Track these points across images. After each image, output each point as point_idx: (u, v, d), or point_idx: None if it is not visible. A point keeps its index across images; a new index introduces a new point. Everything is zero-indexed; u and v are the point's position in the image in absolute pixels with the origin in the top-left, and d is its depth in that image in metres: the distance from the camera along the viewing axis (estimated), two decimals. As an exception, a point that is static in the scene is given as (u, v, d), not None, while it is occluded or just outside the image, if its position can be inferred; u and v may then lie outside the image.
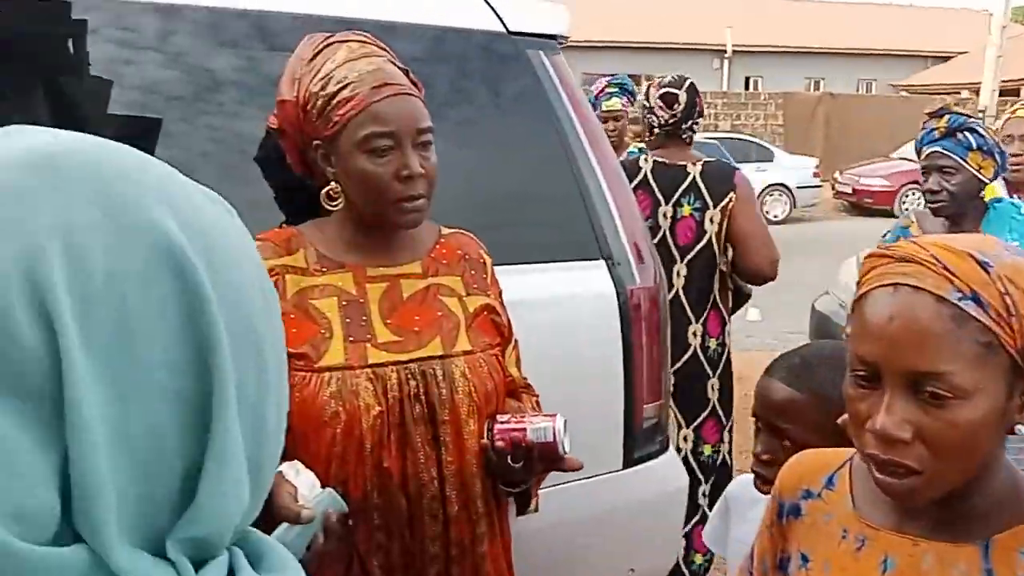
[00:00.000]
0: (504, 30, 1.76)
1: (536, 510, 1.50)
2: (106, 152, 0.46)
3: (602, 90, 3.89)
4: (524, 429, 1.29)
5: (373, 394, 1.26)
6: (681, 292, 2.68)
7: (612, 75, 4.13)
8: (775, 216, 13.77)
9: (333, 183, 1.33)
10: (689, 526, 2.65)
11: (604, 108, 3.80)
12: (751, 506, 1.40)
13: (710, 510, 2.47)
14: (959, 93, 21.11)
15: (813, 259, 7.08)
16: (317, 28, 1.40)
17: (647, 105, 2.79)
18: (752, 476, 1.38)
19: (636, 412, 1.90)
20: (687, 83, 2.78)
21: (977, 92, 19.78)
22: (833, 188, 15.44)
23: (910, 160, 13.06)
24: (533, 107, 1.78)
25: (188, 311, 0.44)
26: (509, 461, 1.29)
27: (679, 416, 2.71)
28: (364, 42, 1.35)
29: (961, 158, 2.34)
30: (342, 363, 1.27)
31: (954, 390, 0.80)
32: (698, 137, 5.05)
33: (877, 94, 23.18)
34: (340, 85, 1.28)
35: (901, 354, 0.82)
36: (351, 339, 1.29)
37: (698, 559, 2.80)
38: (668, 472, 2.01)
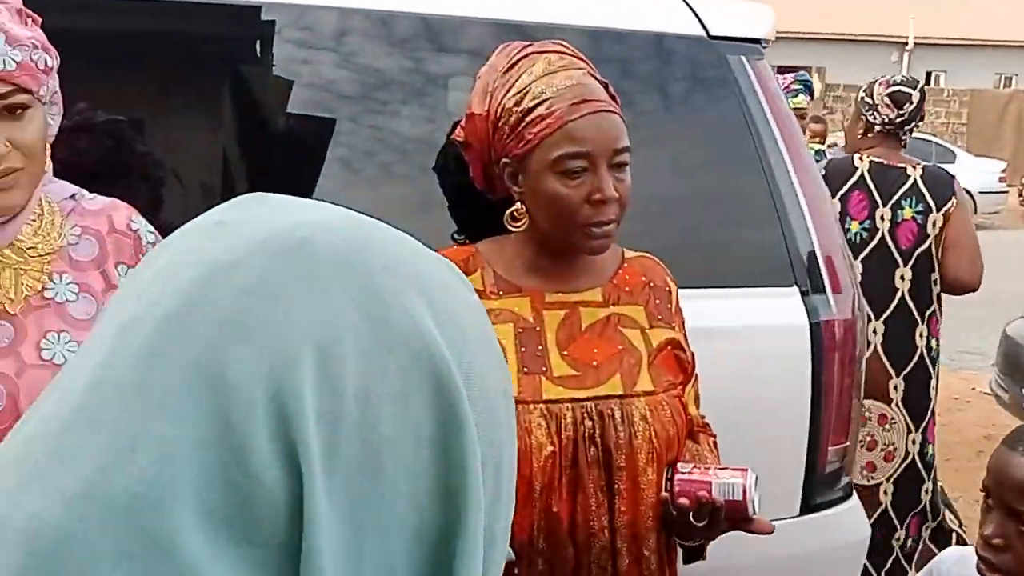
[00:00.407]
0: (705, 34, 1.62)
1: (704, 559, 1.39)
2: (359, 231, 0.40)
3: (787, 86, 3.73)
4: (709, 484, 1.17)
5: (546, 432, 1.18)
6: (907, 295, 2.64)
7: (794, 70, 3.95)
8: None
9: (518, 203, 1.25)
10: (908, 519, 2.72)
11: (791, 105, 3.65)
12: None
13: (931, 507, 2.70)
14: None
15: (996, 272, 6.48)
16: (511, 35, 1.33)
17: (869, 102, 2.73)
18: (966, 551, 1.21)
19: (820, 454, 1.74)
20: (919, 84, 2.77)
21: None
22: (1020, 195, 14.19)
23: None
24: (732, 117, 1.63)
25: (443, 436, 0.37)
26: (691, 519, 1.18)
27: (909, 420, 2.69)
28: (563, 53, 1.26)
29: None
30: (515, 396, 1.19)
31: None
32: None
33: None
34: (536, 101, 1.20)
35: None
36: (525, 370, 1.22)
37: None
38: (850, 521, 1.84)
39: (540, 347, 1.24)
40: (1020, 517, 1.09)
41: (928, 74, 23.33)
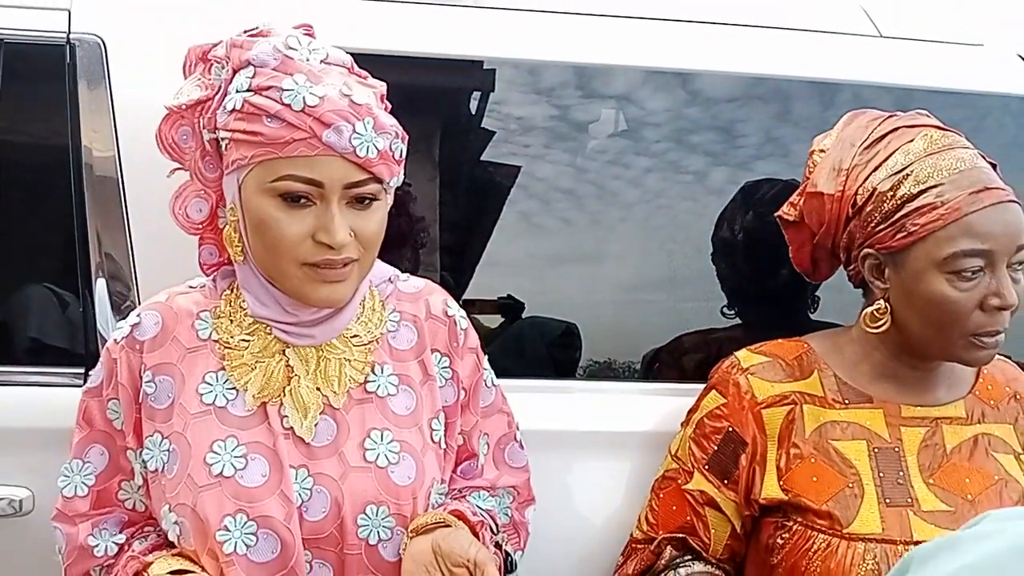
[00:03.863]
0: (1047, 97, 1.42)
1: None
2: None
3: None
4: None
5: None
6: None
7: None
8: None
9: (882, 302, 1.08)
10: None
11: None
12: None
13: None
14: None
15: None
16: (835, 92, 1.17)
17: None
18: None
19: None
20: None
21: None
22: None
23: None
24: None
25: None
26: None
27: None
28: (943, 129, 1.09)
29: None
30: (878, 533, 1.02)
31: None
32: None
33: None
34: (922, 186, 1.03)
35: None
36: (887, 502, 1.04)
37: None
38: None
39: (901, 473, 1.06)
40: None
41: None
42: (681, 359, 1.41)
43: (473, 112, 1.46)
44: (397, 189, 1.42)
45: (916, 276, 1.04)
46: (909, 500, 1.04)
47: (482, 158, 1.44)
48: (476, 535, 0.99)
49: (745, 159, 1.40)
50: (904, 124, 1.10)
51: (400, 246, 1.40)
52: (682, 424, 1.22)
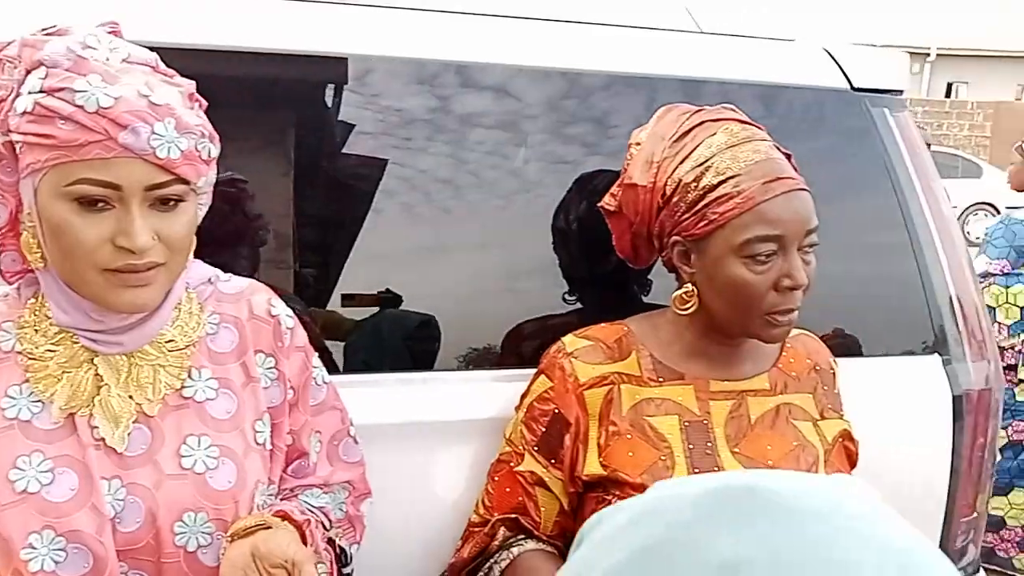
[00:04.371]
0: (848, 86, 1.52)
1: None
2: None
3: None
4: None
5: None
6: None
7: None
8: (978, 237, 12.65)
9: (689, 285, 1.15)
10: None
11: None
12: None
13: None
14: None
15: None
16: (655, 88, 1.23)
17: None
18: None
19: (952, 530, 1.64)
20: None
21: None
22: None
23: None
24: (875, 174, 1.53)
25: None
26: None
27: None
28: (744, 122, 1.16)
29: None
30: None
31: None
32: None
33: (1101, 106, 20.83)
34: (721, 177, 1.10)
35: None
36: (696, 470, 1.12)
37: None
38: (981, 599, 1.73)
39: (709, 443, 1.14)
40: None
41: (949, 85, 23.17)
42: (521, 345, 1.45)
43: (330, 106, 1.47)
44: (232, 187, 1.42)
45: (717, 261, 1.11)
46: (715, 468, 1.12)
47: (344, 151, 1.45)
48: (303, 534, 1.00)
49: (577, 151, 1.45)
50: (709, 118, 1.16)
51: (236, 244, 1.39)
52: (516, 408, 1.27)
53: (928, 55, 22.42)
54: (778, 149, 1.15)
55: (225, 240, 1.34)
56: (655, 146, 1.17)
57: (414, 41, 1.40)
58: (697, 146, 1.13)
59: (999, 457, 3.01)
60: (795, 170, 1.14)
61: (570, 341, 1.22)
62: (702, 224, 1.11)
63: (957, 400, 1.56)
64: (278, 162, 1.47)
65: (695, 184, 1.11)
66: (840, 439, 1.20)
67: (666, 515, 0.32)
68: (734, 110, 1.20)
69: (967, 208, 12.83)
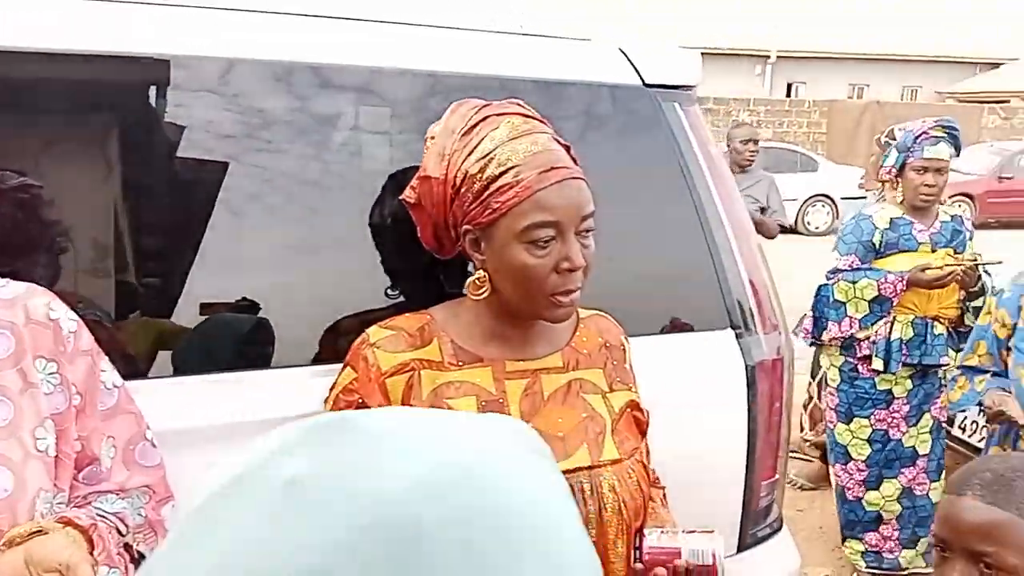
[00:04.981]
0: (640, 83, 1.62)
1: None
2: (473, 491, 0.33)
3: (925, 133, 3.09)
4: (679, 551, 1.16)
5: None
6: None
7: (940, 118, 3.20)
8: (816, 227, 13.53)
9: (480, 272, 1.21)
10: None
11: (928, 155, 3.05)
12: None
13: None
14: (1008, 102, 20.66)
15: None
16: (450, 86, 1.28)
17: None
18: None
19: (754, 491, 1.78)
20: None
21: (1027, 102, 19.40)
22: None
23: (957, 171, 12.78)
24: (667, 164, 1.64)
25: None
26: None
27: None
28: (526, 116, 1.22)
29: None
30: None
31: None
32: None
33: (923, 102, 22.70)
34: (502, 168, 1.16)
35: None
36: None
37: None
38: (782, 554, 1.88)
39: None
40: (982, 559, 1.13)
41: (789, 85, 24.64)
42: (338, 341, 1.48)
43: (155, 108, 1.44)
44: (24, 192, 1.37)
45: (502, 248, 1.17)
46: None
47: (175, 154, 1.42)
48: (90, 539, 0.99)
49: (380, 149, 1.49)
50: (494, 113, 1.21)
51: (31, 251, 1.35)
52: (324, 402, 1.29)
53: (769, 57, 23.76)
54: (557, 141, 1.22)
55: (17, 248, 1.30)
56: (446, 140, 1.21)
57: (233, 41, 1.39)
58: (482, 140, 1.18)
59: (868, 451, 3.18)
60: (574, 161, 1.21)
61: (374, 332, 1.26)
62: (487, 213, 1.16)
63: (751, 370, 1.70)
64: (96, 167, 1.44)
65: (480, 175, 1.16)
66: (627, 409, 1.28)
67: (259, 448, 0.34)
68: (520, 104, 1.26)
69: (806, 200, 13.67)
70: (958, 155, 3.15)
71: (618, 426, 1.25)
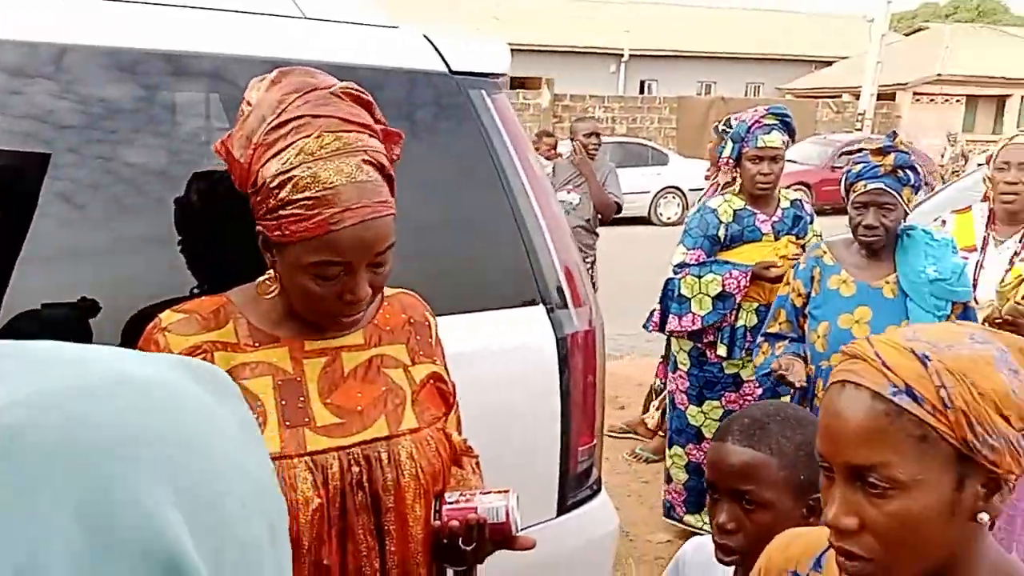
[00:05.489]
0: (447, 70, 1.69)
1: (476, 579, 1.45)
2: (84, 401, 0.34)
3: (757, 122, 3.14)
4: (475, 509, 1.23)
5: (312, 485, 1.16)
6: None
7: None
8: (668, 218, 14.12)
9: (271, 272, 1.22)
10: None
11: (762, 144, 3.11)
12: (704, 571, 1.39)
13: None
14: (840, 96, 22.23)
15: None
16: (255, 70, 1.29)
17: None
18: (704, 539, 1.36)
19: (572, 456, 1.88)
20: None
21: (857, 96, 20.91)
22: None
23: (794, 162, 13.64)
24: (475, 149, 1.72)
25: None
26: (460, 544, 1.23)
27: None
28: (340, 131, 1.13)
29: (899, 195, 2.36)
30: (278, 452, 1.16)
31: (891, 481, 0.84)
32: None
33: (765, 97, 24.08)
34: (299, 195, 1.11)
35: (842, 448, 0.87)
36: (287, 424, 1.19)
37: None
38: (601, 515, 2.00)
39: (302, 398, 1.21)
40: (744, 497, 1.25)
41: (642, 83, 25.57)
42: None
43: None
44: None
45: (289, 267, 1.16)
46: (307, 420, 1.19)
47: None
48: None
49: (185, 137, 1.49)
50: (310, 113, 1.13)
51: None
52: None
53: (622, 56, 24.56)
54: (386, 132, 1.20)
55: None
56: (257, 124, 1.15)
57: (36, 25, 1.35)
58: (288, 146, 1.12)
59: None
60: (389, 178, 1.18)
61: (166, 316, 1.24)
62: (277, 233, 1.14)
63: (562, 341, 1.80)
64: None
65: (277, 192, 1.12)
66: (430, 380, 1.32)
67: None
68: (352, 94, 1.19)
69: (657, 192, 14.25)
70: (793, 141, 3.17)
71: (419, 397, 1.29)
